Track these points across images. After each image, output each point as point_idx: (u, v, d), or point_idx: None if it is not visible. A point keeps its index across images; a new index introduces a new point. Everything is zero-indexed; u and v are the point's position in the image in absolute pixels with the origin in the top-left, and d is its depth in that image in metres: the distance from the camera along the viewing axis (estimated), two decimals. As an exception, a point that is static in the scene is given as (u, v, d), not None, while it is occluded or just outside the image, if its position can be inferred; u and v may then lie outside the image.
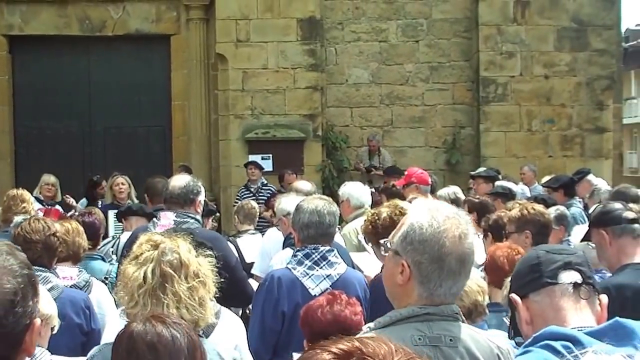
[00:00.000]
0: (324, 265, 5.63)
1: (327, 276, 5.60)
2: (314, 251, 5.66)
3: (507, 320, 4.05)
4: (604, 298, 3.00)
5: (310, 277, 5.58)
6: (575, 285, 2.94)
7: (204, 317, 3.87)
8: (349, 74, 18.20)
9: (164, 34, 18.10)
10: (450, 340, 3.13)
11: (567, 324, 2.85)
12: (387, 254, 3.31)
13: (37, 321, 2.37)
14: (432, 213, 3.21)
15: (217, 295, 4.05)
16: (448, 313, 3.17)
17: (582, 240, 6.53)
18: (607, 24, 17.72)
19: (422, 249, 3.15)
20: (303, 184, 9.19)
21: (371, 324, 3.24)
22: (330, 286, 5.48)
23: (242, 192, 15.19)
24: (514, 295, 3.04)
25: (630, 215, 5.70)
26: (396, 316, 3.16)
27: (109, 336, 4.65)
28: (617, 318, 2.73)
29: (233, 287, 5.43)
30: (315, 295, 5.35)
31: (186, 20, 17.93)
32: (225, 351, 4.25)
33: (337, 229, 8.41)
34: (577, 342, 2.57)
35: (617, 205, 5.87)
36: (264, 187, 15.14)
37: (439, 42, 18.17)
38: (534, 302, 2.97)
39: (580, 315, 2.92)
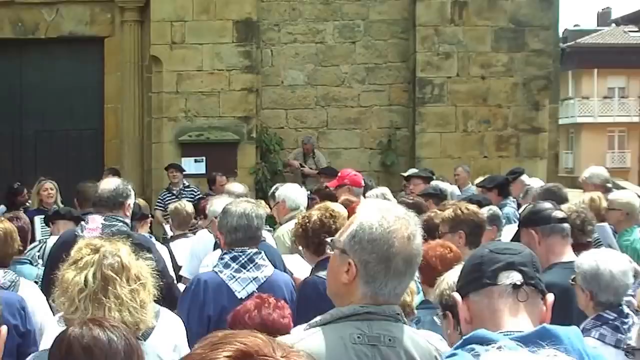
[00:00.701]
0: (251, 268, 5.60)
1: (254, 279, 5.58)
2: (241, 254, 5.63)
3: (437, 320, 4.03)
4: (550, 297, 2.98)
5: (236, 280, 5.55)
6: (515, 287, 2.90)
7: (145, 320, 3.86)
8: (285, 75, 18.12)
9: (97, 36, 17.92)
10: (390, 340, 3.14)
11: (501, 327, 2.84)
12: (332, 253, 3.30)
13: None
14: (382, 213, 3.21)
15: (156, 298, 4.05)
16: (389, 313, 3.18)
17: (511, 240, 6.54)
18: (544, 24, 17.82)
19: (370, 249, 3.15)
20: (235, 187, 9.21)
21: (312, 321, 3.24)
22: (257, 289, 5.44)
23: (164, 195, 15.10)
24: (454, 294, 3.04)
25: (559, 214, 5.75)
26: (337, 314, 3.17)
27: (46, 342, 4.56)
28: (544, 324, 2.75)
29: (162, 291, 5.37)
30: (241, 298, 5.34)
31: (120, 22, 17.77)
32: (165, 353, 4.22)
33: (270, 231, 8.43)
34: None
35: (547, 204, 5.91)
36: (186, 189, 15.06)
37: (376, 43, 18.15)
38: (474, 302, 2.95)
39: (515, 318, 2.88)
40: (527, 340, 2.60)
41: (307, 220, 6.01)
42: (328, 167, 15.57)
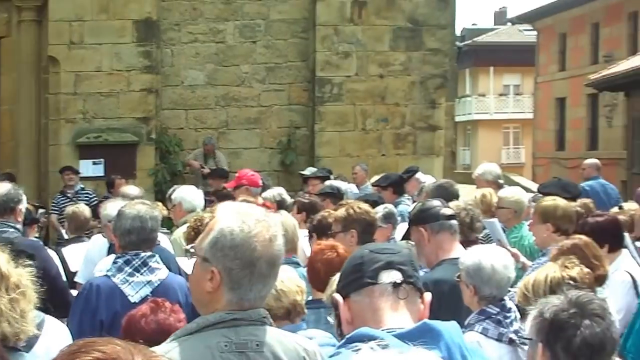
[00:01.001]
0: (144, 271, 5.53)
1: (148, 282, 5.51)
2: (134, 257, 5.56)
3: (331, 319, 4.09)
4: (427, 296, 3.02)
5: (130, 284, 5.47)
6: (395, 285, 2.93)
7: (26, 330, 3.75)
8: (185, 75, 18.04)
9: (-6, 36, 17.60)
10: (257, 345, 3.12)
11: (382, 325, 2.86)
12: (194, 260, 3.24)
13: None
14: (242, 217, 3.16)
15: (39, 306, 3.95)
16: (255, 317, 3.16)
17: (402, 239, 6.69)
18: (441, 23, 18.09)
19: (233, 255, 3.11)
20: (130, 189, 9.14)
21: (177, 331, 3.20)
22: (151, 292, 5.40)
23: (59, 198, 14.86)
24: (336, 295, 3.05)
25: (447, 211, 5.87)
26: (203, 322, 3.11)
27: None
28: (425, 320, 2.81)
29: (55, 297, 5.34)
30: (134, 302, 5.27)
31: (17, 22, 17.51)
32: (49, 362, 4.15)
33: (167, 233, 8.41)
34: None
35: (435, 202, 6.03)
36: (81, 192, 14.89)
37: (277, 42, 18.19)
38: (355, 302, 2.96)
39: (396, 316, 2.92)
40: (408, 337, 2.67)
41: (199, 223, 6.01)
42: (217, 169, 15.65)
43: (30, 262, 4.05)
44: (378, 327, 2.83)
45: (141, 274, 5.53)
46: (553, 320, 3.25)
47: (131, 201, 6.36)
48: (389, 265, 2.97)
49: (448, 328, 2.80)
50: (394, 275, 2.95)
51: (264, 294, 3.20)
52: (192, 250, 3.27)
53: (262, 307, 3.21)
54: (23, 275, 3.85)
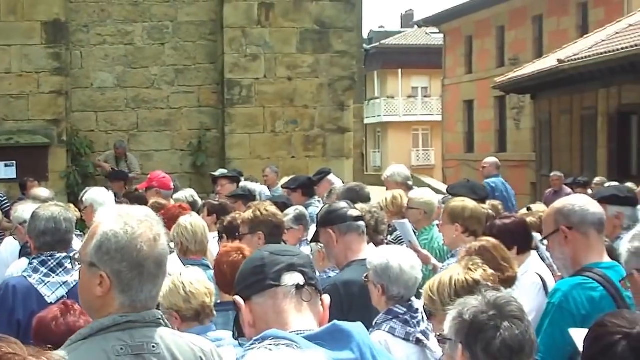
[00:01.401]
0: (60, 272, 5.54)
1: (64, 283, 5.52)
2: (50, 258, 5.57)
3: None
4: (326, 298, 3.02)
5: (46, 284, 5.48)
6: (298, 287, 2.93)
7: None
8: (95, 77, 17.97)
9: None
10: (153, 347, 3.12)
11: (288, 327, 2.86)
12: (79, 267, 3.22)
13: None
14: (124, 219, 3.16)
15: None
16: (150, 319, 3.17)
17: (311, 241, 6.76)
18: (347, 26, 18.28)
19: (120, 257, 3.10)
20: (41, 191, 9.07)
21: (72, 337, 3.15)
22: (67, 293, 5.41)
23: None
24: (237, 297, 3.00)
25: (354, 213, 5.95)
26: (97, 326, 3.10)
27: None
28: (335, 321, 2.82)
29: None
30: (51, 302, 5.26)
31: None
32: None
33: (80, 235, 8.38)
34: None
35: (342, 204, 6.13)
36: None
37: (185, 44, 18.22)
38: (257, 305, 2.94)
39: (301, 318, 2.92)
40: (318, 338, 2.73)
41: None
42: (117, 172, 15.66)
43: None
44: (284, 329, 2.83)
45: (57, 275, 5.54)
46: (473, 322, 3.26)
47: (45, 203, 6.34)
48: (291, 267, 2.96)
49: (357, 329, 2.82)
50: (297, 278, 2.95)
51: (154, 294, 3.20)
52: (76, 256, 3.24)
53: (154, 308, 3.22)
54: None
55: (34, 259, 5.66)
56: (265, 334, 2.70)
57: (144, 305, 3.15)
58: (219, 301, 5.39)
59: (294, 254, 3.06)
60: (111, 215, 3.20)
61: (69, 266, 5.55)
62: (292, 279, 2.95)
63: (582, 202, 4.83)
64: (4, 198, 14.46)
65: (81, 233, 8.94)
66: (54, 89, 17.06)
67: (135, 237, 3.12)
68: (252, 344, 2.67)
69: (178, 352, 3.18)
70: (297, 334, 2.76)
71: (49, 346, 2.20)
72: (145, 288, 3.14)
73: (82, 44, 17.88)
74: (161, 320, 3.21)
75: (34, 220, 5.77)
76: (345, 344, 2.74)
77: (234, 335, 3.32)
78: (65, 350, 2.97)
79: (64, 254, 5.65)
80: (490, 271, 4.66)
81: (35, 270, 5.55)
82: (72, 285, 5.50)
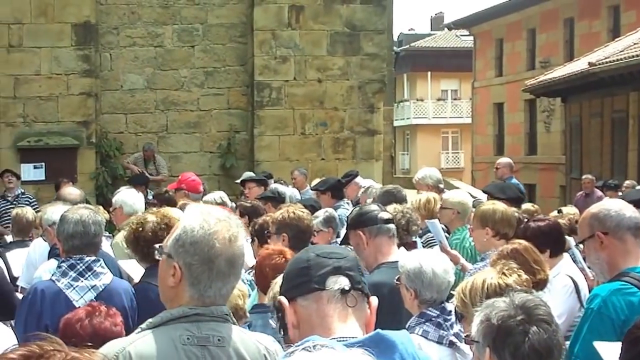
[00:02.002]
0: (89, 276, 5.51)
1: (92, 287, 5.48)
2: (79, 262, 5.53)
3: (272, 322, 4.09)
4: (374, 301, 2.97)
5: (74, 288, 5.45)
6: (343, 292, 2.88)
7: None
8: (124, 79, 18.00)
9: None
10: (219, 340, 3.24)
11: (332, 333, 2.82)
12: (161, 258, 3.37)
13: None
14: (204, 216, 3.31)
15: None
16: (218, 314, 3.28)
17: (341, 243, 6.73)
18: (378, 28, 18.24)
19: (193, 251, 3.24)
20: (71, 192, 9.00)
21: (142, 324, 3.29)
22: (95, 297, 5.37)
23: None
24: (282, 298, 2.96)
25: (385, 215, 5.91)
26: (167, 316, 3.25)
27: None
28: (379, 330, 2.75)
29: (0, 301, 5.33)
30: (79, 307, 5.17)
31: (-46, 25, 17.32)
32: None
33: (109, 237, 8.37)
34: None
35: (373, 206, 6.08)
36: (22, 197, 14.74)
37: (215, 47, 18.23)
38: (302, 307, 2.90)
39: (345, 324, 2.87)
40: (362, 347, 2.57)
41: (140, 227, 6.03)
42: (137, 175, 15.64)
43: None
44: (327, 334, 2.79)
45: (85, 279, 5.50)
46: (500, 326, 3.22)
47: (74, 206, 6.29)
48: (337, 271, 2.91)
49: (401, 338, 2.77)
50: (342, 282, 2.89)
51: (224, 292, 3.31)
52: (159, 248, 3.38)
53: (224, 305, 3.32)
54: None
55: (62, 262, 5.61)
56: (306, 341, 2.60)
57: (212, 302, 3.28)
58: (256, 302, 5.39)
59: (341, 256, 3.00)
60: (194, 212, 3.38)
61: (98, 270, 5.58)
62: (338, 282, 2.91)
63: (617, 207, 4.74)
64: (33, 200, 14.50)
65: (110, 235, 8.93)
66: (83, 90, 17.10)
67: (210, 234, 3.27)
68: (293, 352, 2.60)
69: (243, 348, 3.30)
70: (340, 341, 2.71)
71: None
72: (214, 285, 3.27)
73: (111, 46, 17.92)
74: (228, 317, 3.33)
75: (62, 223, 5.72)
76: (388, 354, 2.69)
77: (278, 333, 3.26)
78: (134, 335, 3.24)
79: (93, 258, 5.63)
80: (524, 276, 4.64)
81: (64, 274, 5.52)
82: (100, 289, 5.52)
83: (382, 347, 2.69)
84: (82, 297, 5.43)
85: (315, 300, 2.90)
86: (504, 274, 4.50)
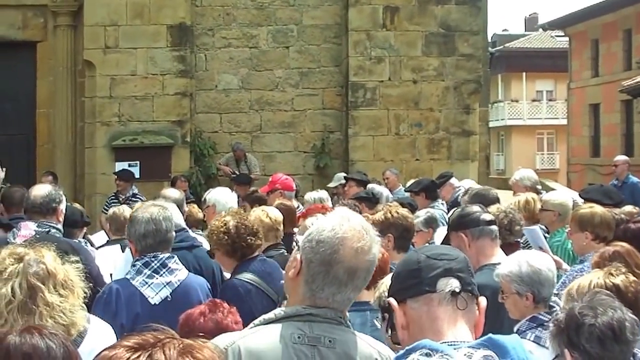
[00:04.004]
0: (164, 272, 5.49)
1: (167, 283, 5.47)
2: (153, 259, 5.50)
3: (378, 323, 4.03)
4: (483, 301, 2.93)
5: (149, 285, 5.44)
6: (453, 294, 2.85)
7: (76, 324, 3.81)
8: (219, 79, 18.11)
9: (30, 40, 17.79)
10: (330, 341, 3.23)
11: (442, 336, 2.79)
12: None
13: None
14: (340, 220, 3.30)
15: (85, 302, 3.96)
16: (331, 316, 3.27)
17: (441, 244, 6.60)
18: (473, 29, 18.07)
19: (316, 249, 3.25)
20: (171, 191, 9.04)
21: (256, 320, 3.34)
22: (171, 294, 5.42)
23: (111, 200, 14.88)
24: (391, 300, 2.94)
25: (487, 217, 5.82)
26: (280, 314, 3.29)
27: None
28: (490, 335, 2.68)
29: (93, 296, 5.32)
30: (155, 304, 5.34)
31: (53, 27, 17.69)
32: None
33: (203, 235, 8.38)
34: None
35: (475, 208, 5.98)
36: (133, 197, 14.85)
37: (309, 47, 18.24)
38: (412, 309, 2.88)
39: (455, 327, 2.84)
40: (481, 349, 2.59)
41: (222, 226, 6.04)
42: (241, 175, 15.76)
43: (77, 259, 4.05)
44: (437, 338, 2.75)
45: (160, 276, 5.49)
46: (568, 322, 3.30)
47: (143, 204, 6.19)
48: (448, 273, 2.88)
49: (513, 343, 2.67)
50: (453, 284, 2.86)
51: (338, 299, 3.28)
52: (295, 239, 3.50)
53: (338, 310, 3.31)
54: (70, 272, 3.88)
55: (136, 260, 5.59)
56: (418, 344, 2.63)
57: (325, 304, 3.28)
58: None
59: (451, 257, 2.94)
60: (335, 214, 3.40)
61: (173, 266, 5.57)
62: (448, 285, 2.86)
63: None
64: (145, 200, 14.51)
65: (202, 233, 8.94)
66: (178, 90, 17.24)
67: (337, 238, 3.26)
68: (404, 355, 2.62)
69: (354, 351, 3.28)
70: (450, 345, 2.66)
71: None
72: (327, 289, 3.27)
73: (206, 47, 18.05)
74: (342, 320, 3.32)
75: (133, 224, 5.66)
76: (502, 359, 2.60)
77: (387, 333, 3.23)
78: (247, 330, 3.34)
79: (167, 254, 5.60)
80: (632, 278, 4.54)
81: (139, 272, 5.50)
82: (175, 286, 5.52)
83: (495, 352, 2.61)
84: (157, 293, 5.44)
85: (425, 302, 2.86)
86: (611, 274, 4.45)
